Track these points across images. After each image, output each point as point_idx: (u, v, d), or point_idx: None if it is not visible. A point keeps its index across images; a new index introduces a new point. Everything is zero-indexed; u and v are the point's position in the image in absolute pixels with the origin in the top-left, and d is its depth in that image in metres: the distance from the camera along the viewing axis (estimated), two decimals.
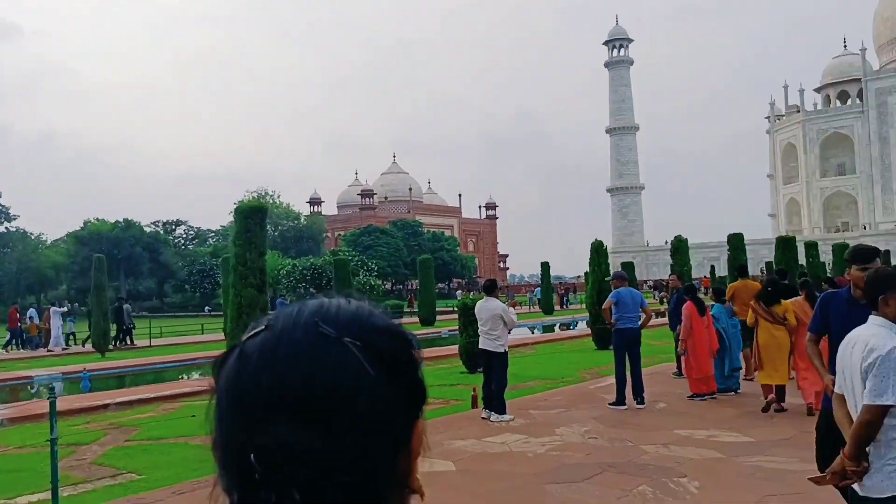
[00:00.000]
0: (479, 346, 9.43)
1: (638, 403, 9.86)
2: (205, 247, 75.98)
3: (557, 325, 34.10)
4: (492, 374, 9.29)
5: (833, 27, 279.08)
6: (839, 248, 32.86)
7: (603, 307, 10.43)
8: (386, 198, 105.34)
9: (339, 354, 0.64)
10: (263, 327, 0.68)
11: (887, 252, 42.61)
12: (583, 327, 28.41)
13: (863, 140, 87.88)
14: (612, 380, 12.52)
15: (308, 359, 0.64)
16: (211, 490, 0.66)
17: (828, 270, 31.00)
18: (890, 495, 3.01)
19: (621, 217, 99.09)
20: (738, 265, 16.17)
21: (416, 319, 33.01)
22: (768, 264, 12.81)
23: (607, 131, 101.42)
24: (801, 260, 27.49)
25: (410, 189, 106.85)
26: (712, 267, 50.69)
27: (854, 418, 3.20)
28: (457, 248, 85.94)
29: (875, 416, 2.97)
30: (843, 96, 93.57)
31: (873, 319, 3.21)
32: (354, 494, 0.63)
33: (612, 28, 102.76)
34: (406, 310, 42.80)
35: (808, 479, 3.46)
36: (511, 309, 9.38)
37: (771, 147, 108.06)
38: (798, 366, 9.33)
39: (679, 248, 21.60)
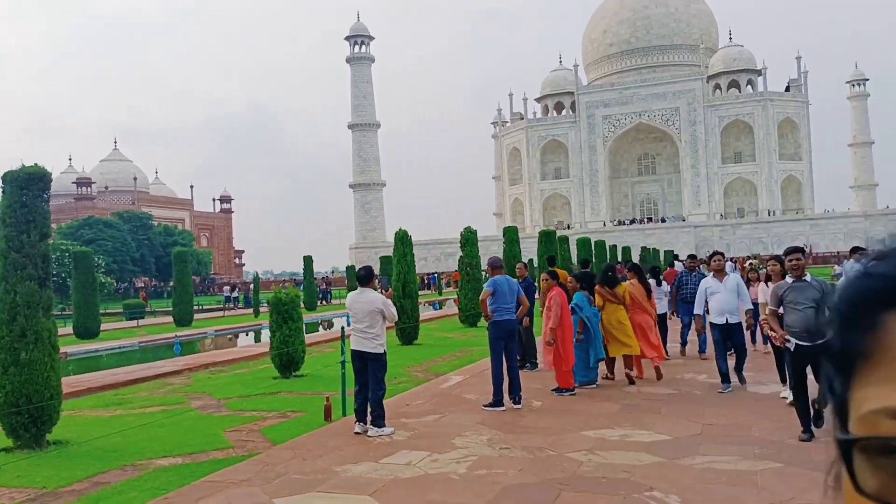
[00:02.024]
0: (352, 347, 7.78)
1: (515, 403, 8.89)
2: None
3: (319, 320, 32.48)
4: (367, 379, 7.72)
5: (554, 41, 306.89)
6: (581, 242, 36.37)
7: (480, 298, 9.28)
8: (107, 187, 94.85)
9: None
10: (883, 256, 0.58)
11: (615, 247, 47.45)
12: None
13: (575, 147, 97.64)
14: (458, 377, 11.56)
15: None
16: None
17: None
18: None
19: (364, 213, 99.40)
20: (547, 256, 16.26)
21: (169, 320, 29.37)
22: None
23: (349, 127, 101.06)
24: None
25: (135, 178, 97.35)
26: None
27: None
28: (192, 243, 79.84)
29: None
30: (559, 107, 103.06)
31: None
32: None
33: (354, 24, 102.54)
34: (147, 310, 37.94)
35: None
36: (390, 302, 7.84)
37: (497, 151, 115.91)
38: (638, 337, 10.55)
39: (469, 239, 21.43)
